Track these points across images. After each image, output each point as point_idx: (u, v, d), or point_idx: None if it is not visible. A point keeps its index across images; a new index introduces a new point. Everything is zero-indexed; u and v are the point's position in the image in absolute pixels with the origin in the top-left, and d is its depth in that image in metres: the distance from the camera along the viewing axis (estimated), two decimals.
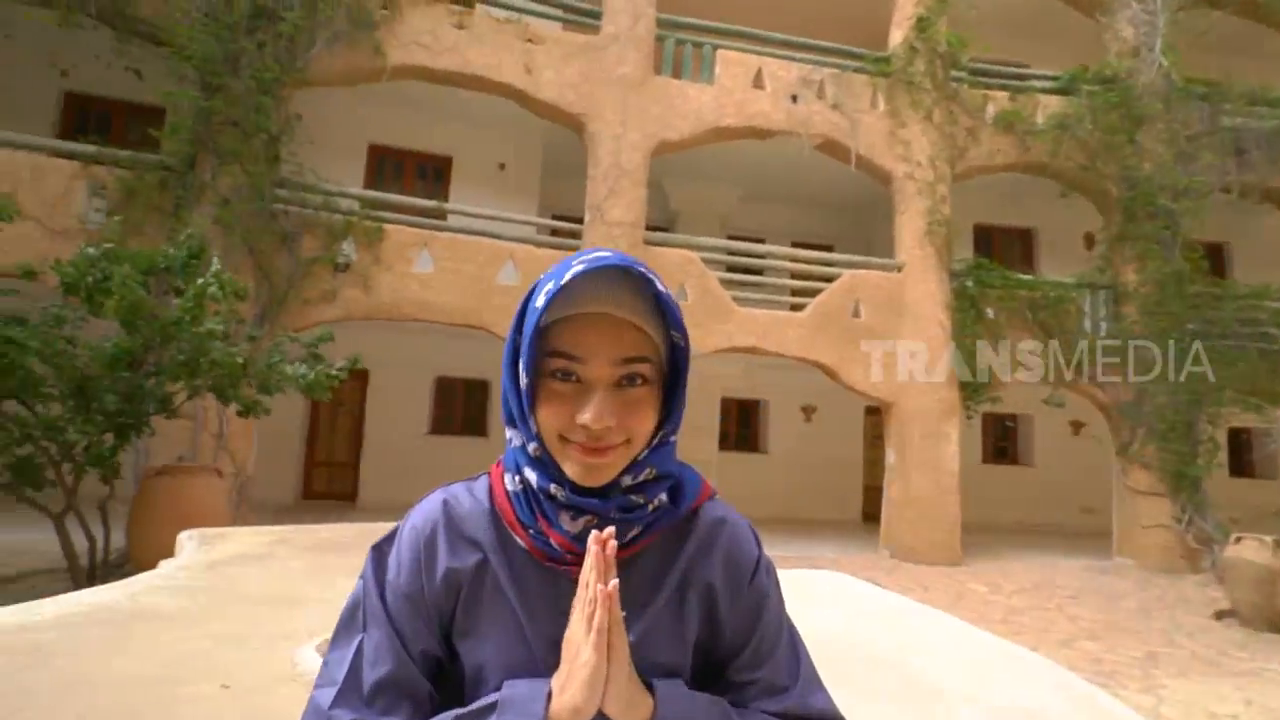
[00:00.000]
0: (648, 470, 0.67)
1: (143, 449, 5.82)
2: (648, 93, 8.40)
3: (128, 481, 5.37)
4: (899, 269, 8.94)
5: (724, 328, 8.23)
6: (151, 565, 3.27)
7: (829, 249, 11.06)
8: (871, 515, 10.27)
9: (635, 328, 0.64)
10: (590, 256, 0.63)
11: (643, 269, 0.63)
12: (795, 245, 10.81)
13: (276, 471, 9.15)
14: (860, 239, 11.80)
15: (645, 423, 0.65)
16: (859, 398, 9.51)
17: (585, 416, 0.61)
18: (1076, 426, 11.65)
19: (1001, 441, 12.22)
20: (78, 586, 3.99)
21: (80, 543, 4.57)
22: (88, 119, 8.57)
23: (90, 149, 6.56)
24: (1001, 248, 11.56)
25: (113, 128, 8.47)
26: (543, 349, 0.64)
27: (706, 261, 8.49)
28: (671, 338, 0.67)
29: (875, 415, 10.65)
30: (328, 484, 10.02)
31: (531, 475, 0.66)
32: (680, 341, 0.67)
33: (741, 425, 11.85)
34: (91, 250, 4.45)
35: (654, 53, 8.62)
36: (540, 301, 0.62)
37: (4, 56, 7.89)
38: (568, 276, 0.61)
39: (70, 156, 6.56)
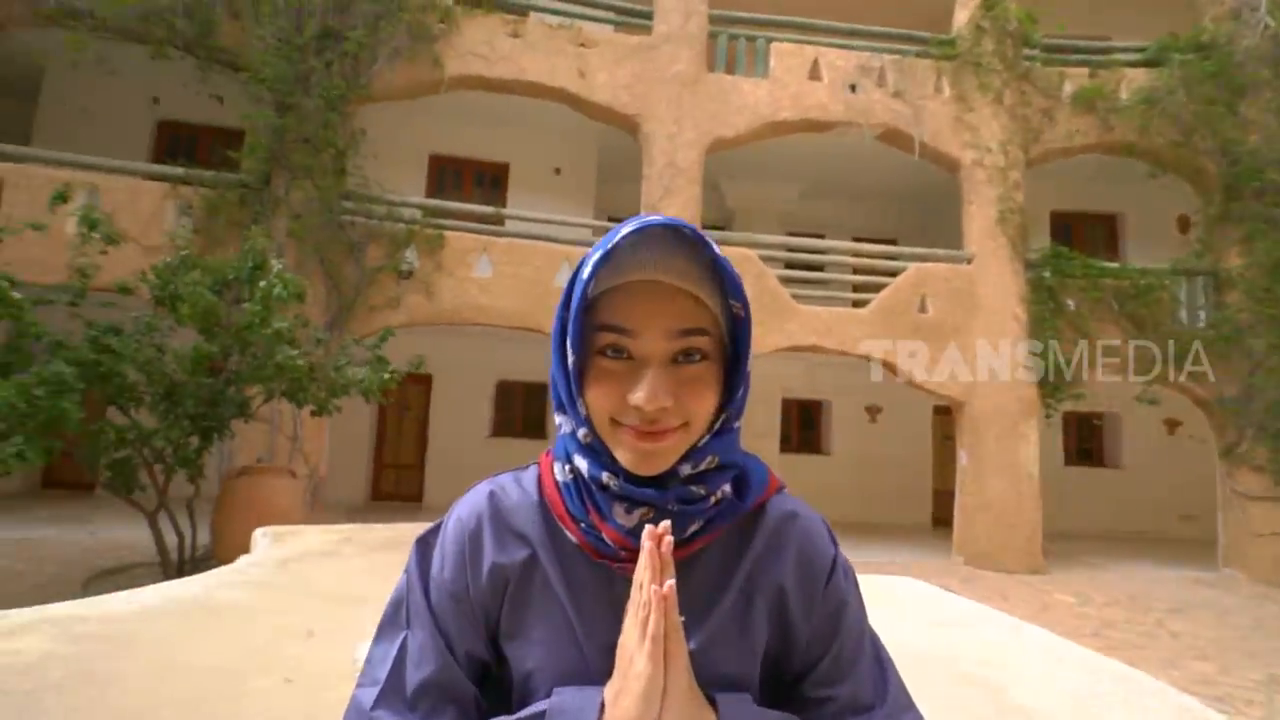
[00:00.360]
0: (709, 458, 0.60)
1: (226, 451, 6.19)
2: (701, 90, 8.32)
3: (213, 482, 5.72)
4: (969, 261, 8.49)
5: (785, 326, 8.03)
6: (232, 560, 3.43)
7: (892, 243, 10.63)
8: (942, 520, 9.80)
9: (690, 296, 0.57)
10: (639, 220, 0.56)
11: (696, 231, 0.56)
12: (857, 241, 10.44)
13: (347, 473, 9.55)
14: (925, 231, 11.31)
15: (705, 403, 0.58)
16: (926, 396, 9.09)
17: (638, 396, 0.55)
18: (1172, 425, 10.76)
19: (1085, 442, 11.42)
20: (168, 578, 4.23)
21: (171, 538, 4.88)
22: (178, 144, 9.25)
23: (178, 171, 7.09)
24: (1083, 235, 10.83)
25: (198, 150, 9.12)
26: (591, 324, 0.58)
27: (765, 259, 8.31)
28: (731, 308, 0.60)
29: (945, 415, 10.15)
30: (395, 485, 10.38)
31: (582, 463, 0.61)
32: (740, 312, 0.60)
33: (804, 427, 11.54)
34: (169, 260, 4.76)
35: (707, 49, 8.52)
36: (587, 271, 0.57)
37: (108, 91, 8.60)
38: (614, 241, 0.55)
39: (161, 179, 7.08)
